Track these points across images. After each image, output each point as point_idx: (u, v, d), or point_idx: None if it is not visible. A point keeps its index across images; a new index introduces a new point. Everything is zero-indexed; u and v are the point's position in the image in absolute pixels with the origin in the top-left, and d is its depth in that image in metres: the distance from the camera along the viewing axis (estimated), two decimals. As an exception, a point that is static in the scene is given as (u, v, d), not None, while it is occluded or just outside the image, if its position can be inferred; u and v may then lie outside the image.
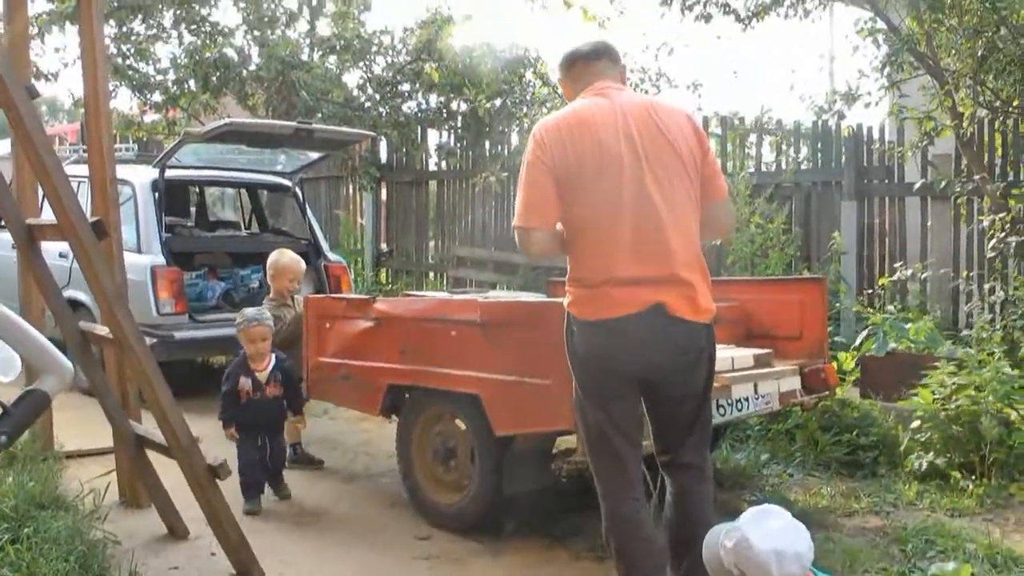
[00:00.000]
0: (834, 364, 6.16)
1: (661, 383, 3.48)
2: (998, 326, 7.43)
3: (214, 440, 5.41)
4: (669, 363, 3.43)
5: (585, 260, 3.45)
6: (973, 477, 5.60)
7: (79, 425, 6.17)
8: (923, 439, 5.81)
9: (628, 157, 3.37)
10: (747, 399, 4.76)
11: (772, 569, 2.77)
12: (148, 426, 4.76)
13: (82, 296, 7.37)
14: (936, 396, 5.82)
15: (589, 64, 3.68)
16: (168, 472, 4.69)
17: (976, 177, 7.92)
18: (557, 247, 3.53)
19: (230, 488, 4.68)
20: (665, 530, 3.61)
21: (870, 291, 8.92)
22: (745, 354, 4.99)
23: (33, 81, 5.25)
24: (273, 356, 5.60)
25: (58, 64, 12.37)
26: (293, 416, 5.72)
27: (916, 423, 5.85)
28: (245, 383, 5.47)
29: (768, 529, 2.85)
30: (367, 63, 13.43)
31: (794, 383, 5.10)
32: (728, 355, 4.81)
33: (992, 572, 4.34)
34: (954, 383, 5.82)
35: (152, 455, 4.79)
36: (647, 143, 3.41)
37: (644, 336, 3.34)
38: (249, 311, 5.69)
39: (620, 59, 3.77)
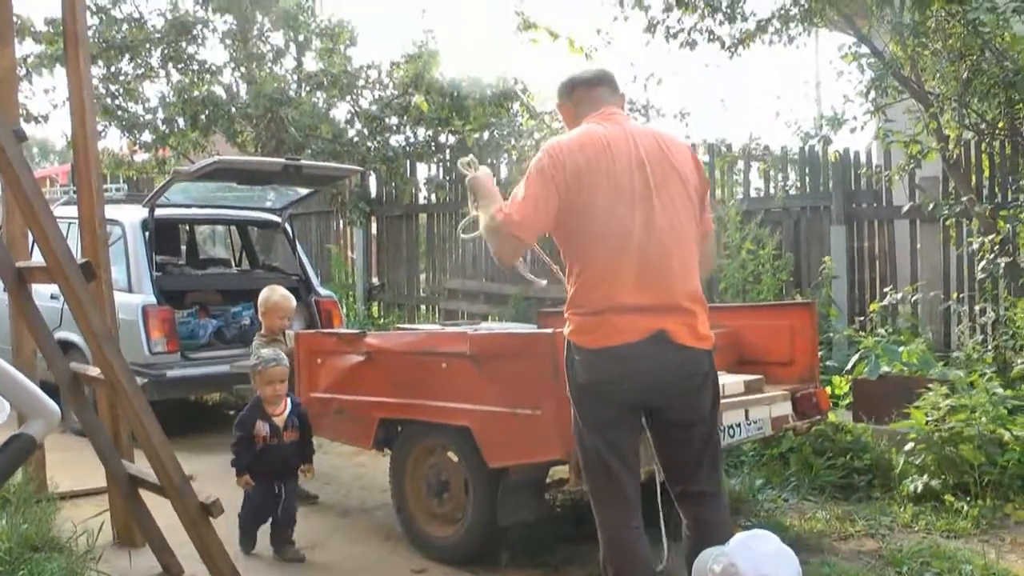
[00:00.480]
0: (826, 388, 6.17)
1: (665, 409, 3.48)
2: (990, 347, 7.45)
3: (208, 478, 5.40)
4: (672, 389, 3.43)
5: (588, 286, 3.43)
6: (968, 498, 5.60)
7: (72, 466, 6.14)
8: (917, 461, 5.81)
9: (639, 184, 3.39)
10: (738, 425, 4.77)
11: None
12: (141, 465, 4.74)
13: (74, 337, 7.33)
14: (929, 418, 5.82)
15: (590, 89, 3.71)
16: (163, 511, 4.66)
17: (964, 199, 7.97)
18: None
19: (224, 527, 4.66)
20: (687, 564, 3.49)
21: (861, 318, 8.95)
22: (735, 380, 5.00)
23: (23, 123, 5.27)
24: (289, 400, 5.35)
25: (48, 106, 12.41)
26: (304, 464, 5.38)
27: (910, 445, 5.86)
28: (262, 428, 5.16)
29: (756, 555, 2.85)
30: (354, 97, 13.47)
31: (786, 408, 5.11)
32: (719, 381, 4.81)
33: (988, 593, 4.35)
34: (947, 405, 5.83)
35: (146, 494, 4.78)
36: (656, 172, 3.43)
37: (647, 363, 3.34)
38: (265, 352, 5.45)
39: (619, 88, 3.79)
